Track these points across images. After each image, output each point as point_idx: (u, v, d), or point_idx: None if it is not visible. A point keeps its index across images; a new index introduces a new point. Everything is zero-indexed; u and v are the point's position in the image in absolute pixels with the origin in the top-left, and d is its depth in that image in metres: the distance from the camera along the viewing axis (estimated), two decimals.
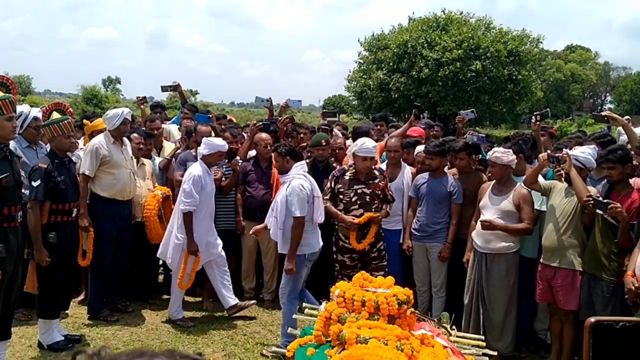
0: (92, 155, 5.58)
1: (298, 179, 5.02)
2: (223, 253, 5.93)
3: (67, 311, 5.64)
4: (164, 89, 7.92)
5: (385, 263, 5.46)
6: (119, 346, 5.19)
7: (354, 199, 5.34)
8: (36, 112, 5.61)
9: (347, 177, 5.41)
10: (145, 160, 6.27)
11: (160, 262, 6.79)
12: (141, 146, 6.13)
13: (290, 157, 5.16)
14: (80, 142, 6.30)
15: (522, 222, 5.01)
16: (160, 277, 6.97)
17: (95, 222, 5.60)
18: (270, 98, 7.53)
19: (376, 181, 5.39)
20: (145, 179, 6.16)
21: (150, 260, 6.43)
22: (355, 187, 5.36)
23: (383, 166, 6.00)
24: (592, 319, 2.50)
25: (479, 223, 5.19)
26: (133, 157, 5.94)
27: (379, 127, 7.53)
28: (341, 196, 5.37)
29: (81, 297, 6.25)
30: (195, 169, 5.60)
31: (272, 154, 6.24)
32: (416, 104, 7.10)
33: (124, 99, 64.18)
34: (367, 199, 5.34)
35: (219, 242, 5.90)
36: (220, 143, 5.69)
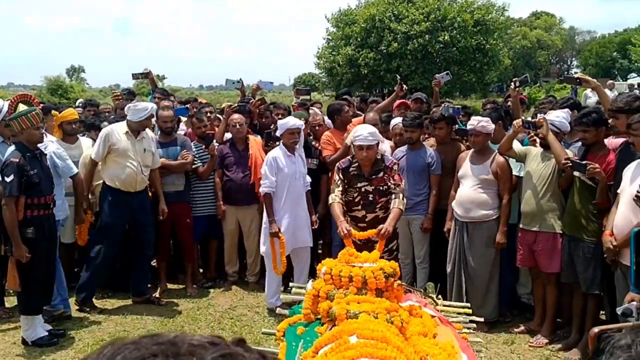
0: (100, 141, 5.58)
1: None
2: (309, 244, 5.81)
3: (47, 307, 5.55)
4: (135, 76, 7.75)
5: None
6: (104, 337, 5.14)
7: (357, 199, 4.80)
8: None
9: (351, 172, 4.82)
10: None
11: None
12: None
13: None
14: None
15: (502, 194, 5.07)
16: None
17: (101, 209, 5.69)
18: (240, 79, 7.45)
19: (380, 175, 4.77)
20: None
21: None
22: (359, 184, 4.78)
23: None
24: (596, 329, 2.57)
25: (458, 192, 5.23)
26: (143, 150, 5.73)
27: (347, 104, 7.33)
28: (346, 193, 4.83)
29: None
30: (273, 152, 5.62)
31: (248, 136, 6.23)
32: (397, 76, 7.11)
33: (90, 88, 62.96)
34: (370, 198, 4.77)
35: (308, 231, 5.75)
36: (284, 122, 5.58)
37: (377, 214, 4.78)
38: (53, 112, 6.35)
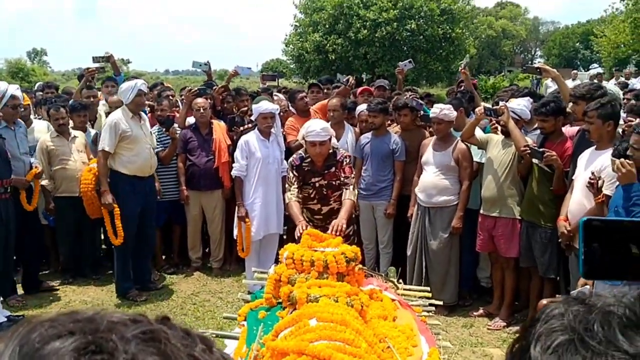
0: (111, 131, 5.38)
1: None
2: (279, 231, 5.80)
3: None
4: (96, 59, 7.56)
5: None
6: None
7: (312, 194, 4.74)
8: (14, 90, 5.40)
9: (305, 168, 4.74)
10: (77, 133, 5.99)
11: (103, 237, 6.64)
12: (61, 122, 5.79)
13: None
14: None
15: (462, 181, 5.15)
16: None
17: (117, 200, 5.47)
18: (208, 62, 7.38)
19: (332, 170, 4.71)
20: (78, 152, 5.91)
21: (92, 236, 6.27)
22: (314, 180, 4.72)
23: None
24: (545, 301, 2.62)
25: (421, 178, 5.29)
26: (149, 132, 5.72)
27: (314, 92, 7.03)
28: (301, 190, 4.76)
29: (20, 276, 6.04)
30: (246, 136, 5.62)
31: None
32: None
33: (52, 72, 61.56)
34: (324, 192, 4.74)
35: (279, 217, 5.72)
36: (257, 106, 5.54)
37: (332, 206, 4.74)
38: None
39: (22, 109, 5.67)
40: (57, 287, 5.87)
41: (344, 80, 6.71)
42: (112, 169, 5.51)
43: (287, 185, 4.81)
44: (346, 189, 4.66)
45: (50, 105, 6.00)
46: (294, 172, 4.75)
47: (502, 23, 52.18)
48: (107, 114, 6.61)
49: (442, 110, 5.12)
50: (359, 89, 6.85)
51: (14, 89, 5.40)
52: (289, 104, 6.67)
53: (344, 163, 4.71)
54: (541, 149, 4.51)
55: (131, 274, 5.76)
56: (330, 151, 4.70)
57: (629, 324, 0.61)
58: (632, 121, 4.70)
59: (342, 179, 4.69)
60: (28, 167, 5.41)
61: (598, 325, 0.61)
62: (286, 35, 30.08)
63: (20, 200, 5.35)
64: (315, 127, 4.59)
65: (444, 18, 26.43)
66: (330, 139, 4.69)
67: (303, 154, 4.78)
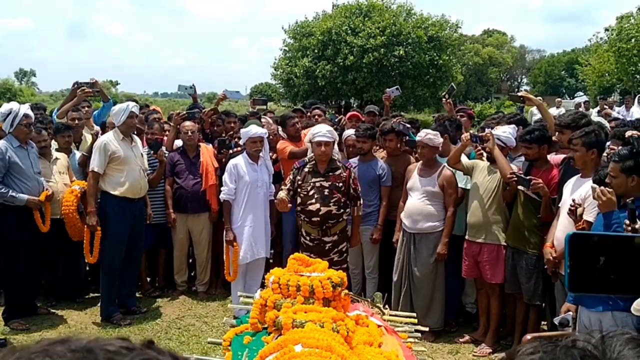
0: (100, 152, 5.41)
1: None
2: (265, 255, 5.79)
3: None
4: (80, 85, 7.52)
5: (346, 266, 5.21)
6: None
7: (311, 193, 5.02)
8: (26, 109, 5.41)
9: (306, 169, 5.10)
10: (59, 154, 5.92)
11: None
12: (42, 144, 5.69)
13: None
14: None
15: (447, 207, 5.18)
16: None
17: (105, 222, 5.45)
18: (193, 85, 7.41)
19: (337, 173, 5.08)
20: (60, 173, 5.84)
21: (75, 258, 6.20)
22: (314, 179, 5.04)
23: None
24: (529, 336, 2.65)
25: (406, 204, 5.32)
26: (140, 154, 5.75)
27: (298, 117, 6.98)
28: (299, 189, 5.07)
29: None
30: (235, 159, 5.67)
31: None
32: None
33: (40, 93, 61.50)
34: (326, 193, 5.01)
35: (266, 241, 5.76)
36: (246, 130, 5.58)
37: (330, 209, 5.01)
38: None
39: (33, 129, 5.60)
40: (54, 312, 5.79)
41: (336, 120, 6.88)
42: (102, 189, 5.51)
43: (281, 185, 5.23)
44: (354, 205, 5.16)
45: (37, 125, 5.97)
46: (291, 176, 5.14)
47: (488, 51, 52.86)
48: (93, 135, 6.62)
49: (428, 134, 5.18)
50: (347, 114, 6.92)
51: (26, 108, 5.44)
52: (279, 129, 6.69)
53: (353, 172, 5.16)
54: (528, 177, 4.55)
55: (116, 297, 5.70)
56: (334, 157, 5.18)
57: (590, 358, 0.67)
58: (614, 149, 4.76)
59: (351, 188, 5.11)
60: (41, 187, 5.40)
61: (562, 356, 0.68)
62: (275, 59, 30.31)
63: (35, 221, 5.36)
64: (322, 129, 5.09)
65: (431, 45, 26.79)
66: (334, 143, 5.17)
67: (306, 160, 5.19)
